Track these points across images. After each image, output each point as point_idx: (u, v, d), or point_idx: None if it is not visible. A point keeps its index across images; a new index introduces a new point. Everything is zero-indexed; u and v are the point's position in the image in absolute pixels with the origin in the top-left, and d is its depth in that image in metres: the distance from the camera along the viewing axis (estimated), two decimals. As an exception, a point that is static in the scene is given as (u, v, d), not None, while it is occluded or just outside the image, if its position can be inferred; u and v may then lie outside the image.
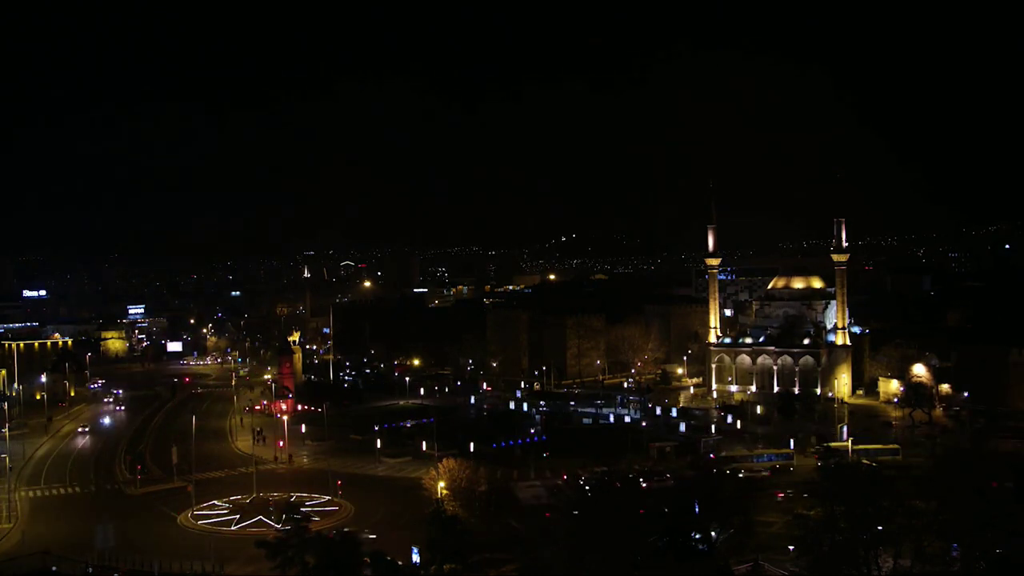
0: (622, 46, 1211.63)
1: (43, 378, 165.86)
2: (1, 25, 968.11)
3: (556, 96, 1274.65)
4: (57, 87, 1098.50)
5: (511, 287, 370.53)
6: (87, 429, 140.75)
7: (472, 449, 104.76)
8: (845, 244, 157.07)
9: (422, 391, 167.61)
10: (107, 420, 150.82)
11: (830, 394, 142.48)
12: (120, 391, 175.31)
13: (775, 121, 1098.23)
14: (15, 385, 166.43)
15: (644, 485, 79.53)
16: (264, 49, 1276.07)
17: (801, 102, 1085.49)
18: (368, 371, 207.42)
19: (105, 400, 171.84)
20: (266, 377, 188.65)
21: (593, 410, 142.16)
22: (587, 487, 77.22)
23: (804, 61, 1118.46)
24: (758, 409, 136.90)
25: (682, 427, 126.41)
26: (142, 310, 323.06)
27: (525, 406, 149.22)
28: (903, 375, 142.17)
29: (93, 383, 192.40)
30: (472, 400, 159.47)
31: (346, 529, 71.00)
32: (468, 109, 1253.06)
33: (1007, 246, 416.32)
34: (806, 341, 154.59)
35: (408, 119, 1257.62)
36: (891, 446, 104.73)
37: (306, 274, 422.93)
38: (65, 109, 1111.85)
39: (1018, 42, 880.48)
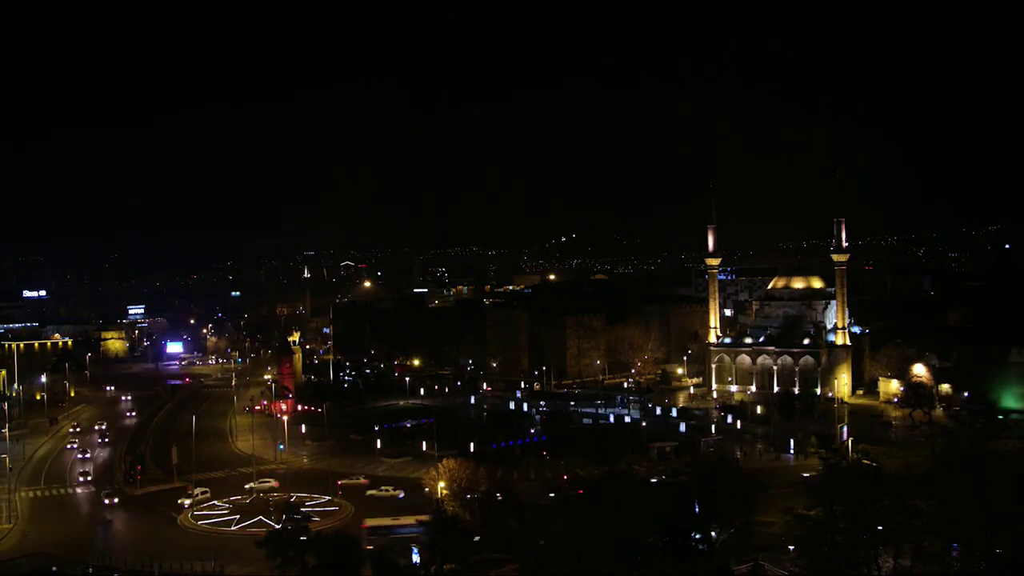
0: (624, 49, 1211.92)
1: (43, 378, 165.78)
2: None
3: (557, 97, 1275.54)
4: (57, 86, 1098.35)
5: (511, 287, 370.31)
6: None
7: (472, 449, 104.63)
8: (845, 244, 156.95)
9: (422, 391, 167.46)
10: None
11: (830, 394, 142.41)
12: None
13: (775, 122, 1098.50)
14: (15, 385, 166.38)
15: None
16: (265, 51, 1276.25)
17: (802, 102, 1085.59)
18: (368, 371, 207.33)
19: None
20: (266, 377, 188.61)
21: (593, 410, 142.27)
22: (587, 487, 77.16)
23: (804, 61, 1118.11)
24: (758, 409, 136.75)
25: (682, 427, 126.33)
26: (142, 310, 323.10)
27: (525, 406, 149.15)
28: (903, 375, 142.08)
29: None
30: (472, 400, 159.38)
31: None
32: (469, 110, 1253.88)
33: (1007, 246, 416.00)
34: (806, 341, 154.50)
35: (409, 119, 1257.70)
36: None
37: (306, 274, 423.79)
38: (63, 108, 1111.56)
39: (1018, 42, 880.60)
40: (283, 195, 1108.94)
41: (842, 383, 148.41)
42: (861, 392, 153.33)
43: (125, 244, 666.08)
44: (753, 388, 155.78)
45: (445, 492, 76.96)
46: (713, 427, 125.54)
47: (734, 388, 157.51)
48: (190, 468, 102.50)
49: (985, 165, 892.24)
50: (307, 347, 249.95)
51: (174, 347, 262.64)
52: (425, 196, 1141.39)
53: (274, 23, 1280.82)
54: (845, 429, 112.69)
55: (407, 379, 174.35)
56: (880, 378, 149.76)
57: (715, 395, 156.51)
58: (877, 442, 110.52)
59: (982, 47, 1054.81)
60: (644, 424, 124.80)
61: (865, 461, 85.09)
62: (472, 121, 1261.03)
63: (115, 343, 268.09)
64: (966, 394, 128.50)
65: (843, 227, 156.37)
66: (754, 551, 65.03)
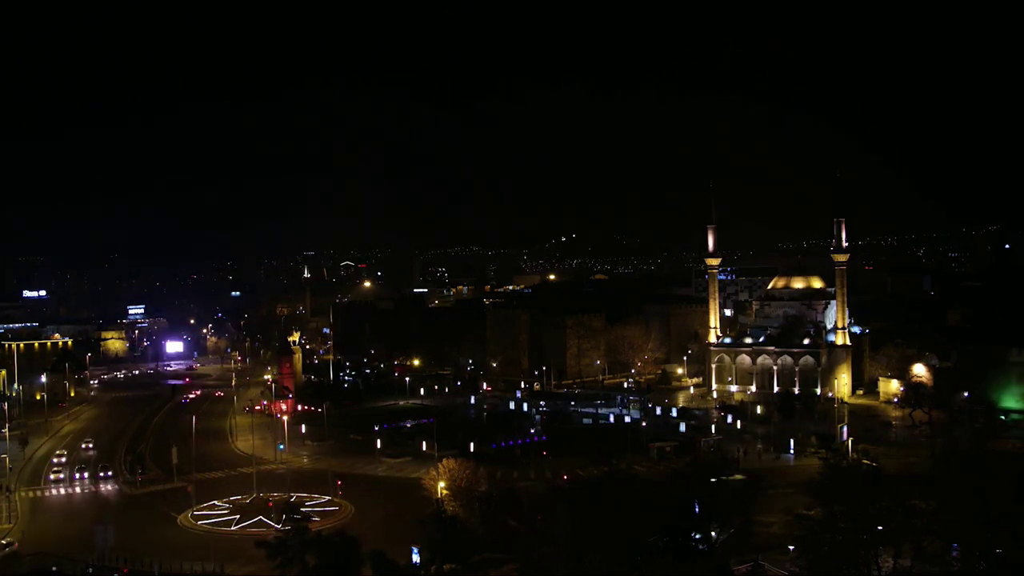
0: (624, 49, 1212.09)
1: (43, 378, 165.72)
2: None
3: (557, 97, 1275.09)
4: (57, 86, 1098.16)
5: (511, 287, 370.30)
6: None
7: (472, 449, 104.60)
8: (845, 244, 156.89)
9: (422, 391, 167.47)
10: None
11: (830, 394, 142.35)
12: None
13: (775, 122, 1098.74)
14: (15, 385, 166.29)
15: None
16: (264, 50, 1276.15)
17: (802, 102, 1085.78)
18: (368, 371, 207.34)
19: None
20: (266, 377, 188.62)
21: (593, 410, 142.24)
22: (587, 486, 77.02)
23: (804, 62, 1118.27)
24: (758, 409, 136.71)
25: (682, 427, 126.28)
26: (142, 310, 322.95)
27: (525, 406, 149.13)
28: (903, 375, 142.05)
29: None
30: (472, 400, 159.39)
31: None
32: (469, 109, 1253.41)
33: (1007, 245, 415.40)
34: (806, 341, 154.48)
35: (408, 119, 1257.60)
36: None
37: (306, 274, 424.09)
38: (63, 108, 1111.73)
39: (1017, 42, 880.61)
40: (283, 195, 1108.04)
41: (842, 383, 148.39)
42: (861, 392, 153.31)
43: (125, 244, 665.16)
44: (753, 388, 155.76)
45: (445, 492, 76.96)
46: (713, 427, 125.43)
47: (734, 388, 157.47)
48: (190, 468, 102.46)
49: (984, 165, 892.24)
50: (307, 347, 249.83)
51: (174, 347, 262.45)
52: (425, 196, 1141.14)
53: (274, 23, 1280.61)
54: (845, 429, 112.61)
55: (407, 379, 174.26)
56: (880, 378, 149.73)
57: (715, 395, 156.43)
58: (877, 442, 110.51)
59: (981, 47, 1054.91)
60: (644, 424, 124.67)
61: (865, 461, 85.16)
62: (474, 121, 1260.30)
63: (115, 343, 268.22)
64: (966, 394, 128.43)
65: (843, 227, 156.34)
66: (754, 551, 65.00)
